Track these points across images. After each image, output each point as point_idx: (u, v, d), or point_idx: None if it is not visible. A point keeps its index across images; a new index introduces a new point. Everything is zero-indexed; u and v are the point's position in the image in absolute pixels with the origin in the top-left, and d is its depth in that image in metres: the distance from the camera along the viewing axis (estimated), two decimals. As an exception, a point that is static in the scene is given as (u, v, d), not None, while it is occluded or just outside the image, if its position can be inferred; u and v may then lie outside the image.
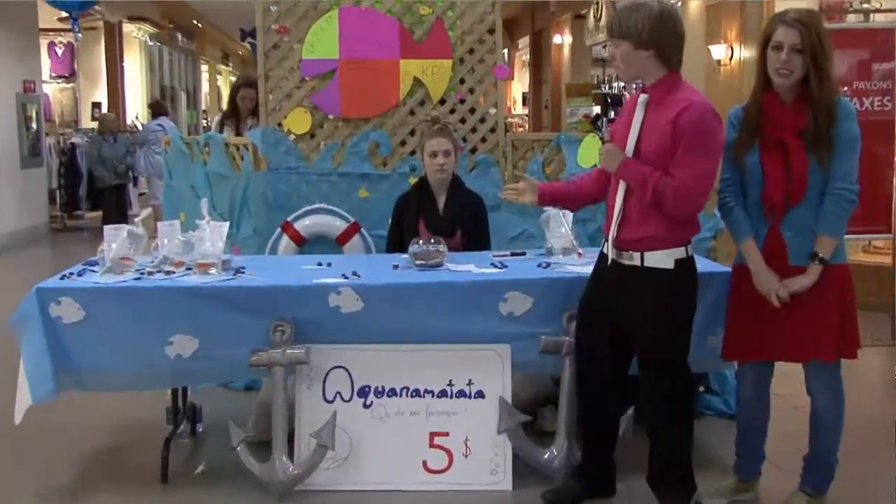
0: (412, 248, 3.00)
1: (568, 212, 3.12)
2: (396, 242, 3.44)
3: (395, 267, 2.99)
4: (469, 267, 2.96)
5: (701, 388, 3.45)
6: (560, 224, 3.16)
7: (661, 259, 2.37)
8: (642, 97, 2.38)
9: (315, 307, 2.72)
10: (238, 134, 4.75)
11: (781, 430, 2.79)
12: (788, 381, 2.92)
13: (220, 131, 4.97)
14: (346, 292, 2.73)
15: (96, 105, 12.97)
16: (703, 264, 2.94)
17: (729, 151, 2.48)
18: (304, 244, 3.83)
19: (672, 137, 2.30)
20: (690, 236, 2.42)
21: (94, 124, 10.78)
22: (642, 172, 2.34)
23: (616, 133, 2.51)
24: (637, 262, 2.39)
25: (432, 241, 3.00)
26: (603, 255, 2.51)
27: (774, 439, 2.69)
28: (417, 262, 2.97)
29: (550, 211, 3.17)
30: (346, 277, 2.80)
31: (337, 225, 3.83)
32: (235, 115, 4.98)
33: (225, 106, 5.59)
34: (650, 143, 2.34)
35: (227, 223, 2.99)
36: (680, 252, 2.39)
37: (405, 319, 2.76)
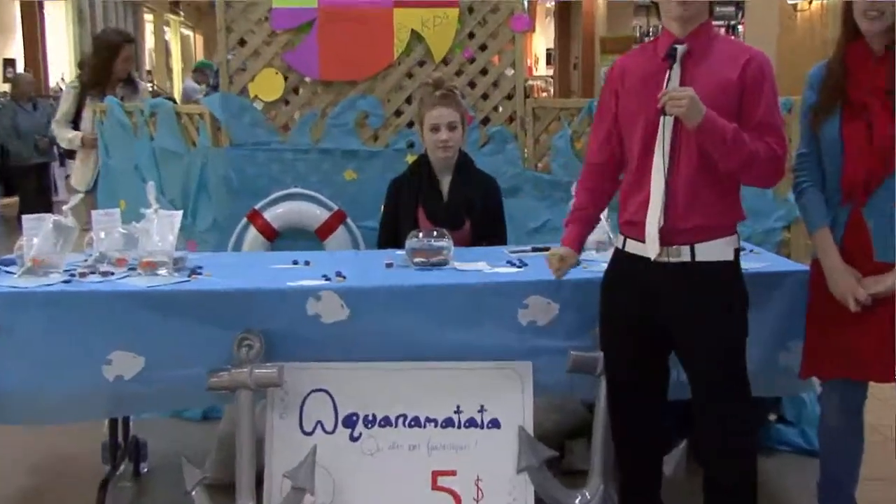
0: (410, 242, 3.02)
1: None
2: (390, 236, 3.46)
3: (389, 266, 3.02)
4: (480, 266, 2.98)
5: (772, 417, 3.45)
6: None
7: (718, 250, 2.38)
8: (679, 48, 2.34)
9: (290, 316, 2.73)
10: None
11: (877, 469, 2.76)
12: (887, 408, 2.89)
13: (78, 109, 4.69)
14: (329, 298, 2.73)
15: (9, 63, 12.52)
16: (773, 262, 2.96)
17: (806, 119, 2.49)
18: (276, 238, 3.86)
19: (739, 96, 2.31)
20: (740, 221, 2.45)
21: (7, 87, 10.39)
22: (733, 130, 2.29)
23: (626, 101, 2.47)
24: (686, 258, 2.39)
25: (434, 233, 3.02)
26: (628, 256, 2.50)
27: (869, 482, 2.66)
28: (416, 259, 3.00)
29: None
30: (329, 279, 2.81)
31: (317, 214, 3.85)
32: (103, 84, 4.75)
33: (85, 70, 4.96)
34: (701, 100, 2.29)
35: (180, 212, 2.99)
36: (735, 241, 2.42)
37: (401, 331, 2.77)
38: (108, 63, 4.80)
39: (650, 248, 2.40)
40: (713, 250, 2.38)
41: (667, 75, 2.33)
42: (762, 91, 2.30)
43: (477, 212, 3.43)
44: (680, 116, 2.30)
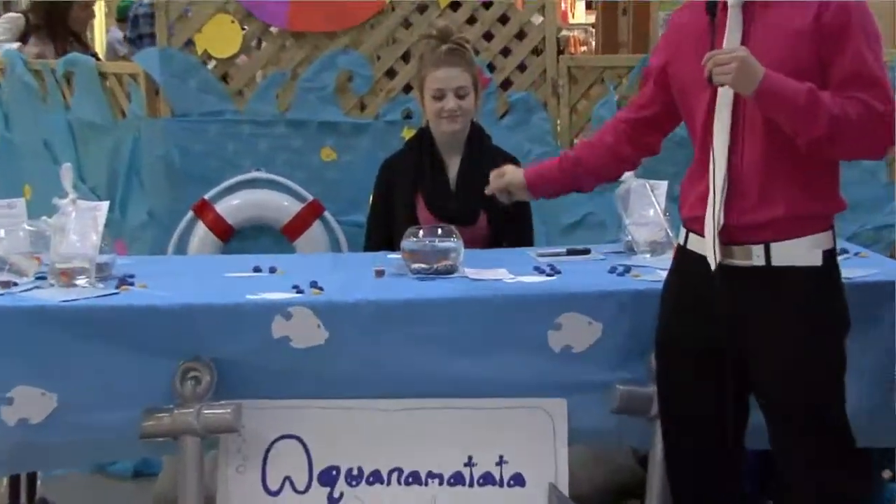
0: (407, 243, 3.03)
1: (661, 183, 3.14)
2: (382, 234, 3.48)
3: (380, 274, 3.02)
4: (499, 274, 2.99)
5: (886, 475, 3.45)
6: (646, 202, 3.18)
7: (803, 251, 2.38)
8: None
9: (250, 340, 2.75)
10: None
11: None
12: None
13: None
14: (301, 316, 2.74)
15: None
16: (884, 268, 2.95)
17: None
18: (231, 237, 3.90)
19: (817, 48, 2.31)
20: (836, 212, 2.44)
21: None
22: (807, 91, 2.28)
23: (680, 67, 2.49)
24: (760, 262, 2.40)
25: (439, 231, 3.02)
26: (691, 257, 2.52)
27: None
28: (415, 266, 3.00)
29: (630, 181, 3.19)
30: (301, 291, 2.81)
31: (285, 206, 3.88)
32: (54, 29, 4.76)
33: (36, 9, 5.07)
34: (768, 61, 2.30)
35: (105, 203, 3.00)
36: (826, 239, 2.41)
37: (396, 359, 2.79)
38: (61, 13, 4.86)
39: (709, 250, 2.41)
40: (795, 252, 2.38)
41: (712, 32, 2.35)
42: (847, 35, 2.28)
43: (496, 203, 3.39)
44: (728, 85, 2.32)
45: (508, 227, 3.46)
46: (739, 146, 2.38)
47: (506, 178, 2.85)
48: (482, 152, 3.50)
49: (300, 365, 2.77)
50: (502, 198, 2.90)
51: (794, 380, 2.40)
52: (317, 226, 3.89)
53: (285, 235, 3.89)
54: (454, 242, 3.02)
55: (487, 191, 2.88)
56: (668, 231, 3.11)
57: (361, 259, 3.32)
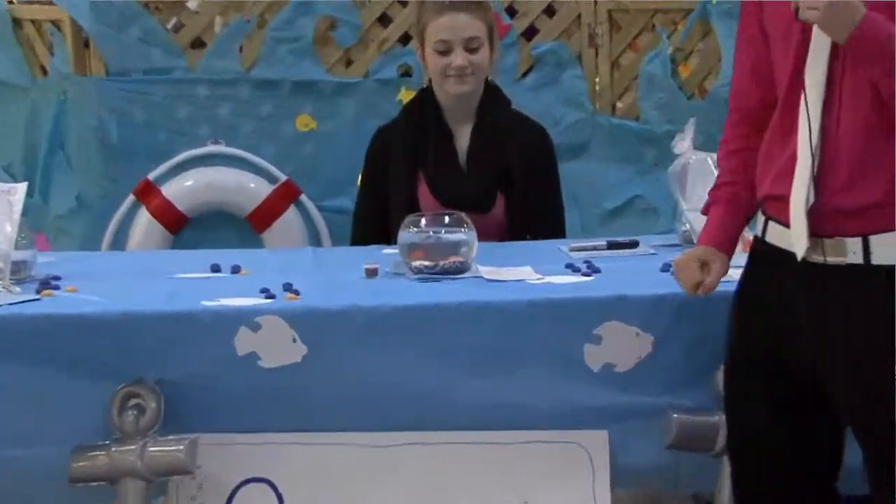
0: (406, 234, 3.05)
1: None
2: (373, 224, 3.51)
3: (372, 274, 3.05)
4: (523, 273, 3.02)
5: None
6: (709, 181, 3.11)
7: None
8: None
9: (207, 358, 2.76)
10: None
11: None
12: None
13: None
14: (272, 327, 2.75)
15: None
16: None
17: None
18: (182, 228, 3.95)
19: None
20: None
21: None
22: None
23: (770, 8, 2.46)
24: (855, 259, 2.38)
25: (447, 220, 3.04)
26: (770, 251, 2.53)
27: None
28: (417, 263, 3.03)
29: (688, 153, 3.21)
30: (272, 296, 2.83)
31: (251, 189, 3.95)
32: None
33: None
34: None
35: (23, 185, 3.02)
36: None
37: (392, 381, 2.81)
38: None
39: (796, 238, 2.40)
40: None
41: None
42: None
43: (516, 183, 3.46)
44: (817, 23, 2.29)
45: (533, 215, 3.48)
46: (835, 107, 2.35)
47: (714, 274, 2.68)
48: (499, 120, 3.52)
49: (271, 389, 2.78)
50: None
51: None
52: (291, 213, 3.93)
53: (251, 225, 3.93)
54: (465, 234, 3.03)
55: (693, 293, 2.71)
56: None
57: (348, 255, 3.34)
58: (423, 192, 3.46)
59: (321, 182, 3.93)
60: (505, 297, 2.84)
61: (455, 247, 3.01)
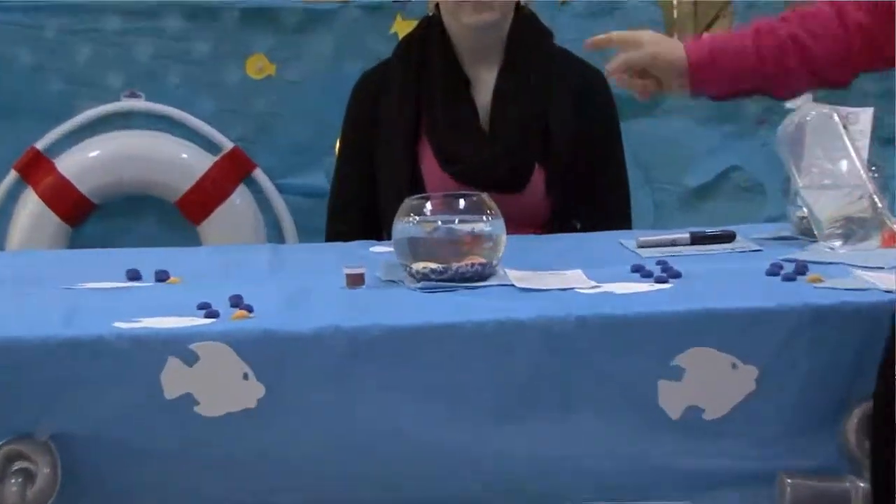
0: (404, 225, 3.07)
1: (862, 112, 3.18)
2: (357, 209, 3.57)
3: (356, 281, 3.07)
4: (569, 279, 3.04)
5: None
6: (835, 148, 3.19)
7: None
8: None
9: (122, 402, 2.76)
10: None
11: None
12: None
13: None
14: (215, 357, 2.75)
15: None
16: None
17: None
18: (86, 216, 4.02)
19: None
20: None
21: None
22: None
23: None
24: None
25: (462, 203, 3.05)
26: None
27: None
28: (419, 266, 3.04)
29: (805, 108, 3.21)
30: (214, 314, 2.84)
31: (182, 161, 4.03)
32: None
33: None
34: None
35: None
36: None
37: (384, 434, 2.82)
38: None
39: None
40: None
41: None
42: None
43: (561, 151, 3.48)
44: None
45: (585, 195, 3.52)
46: None
47: (644, 52, 2.86)
48: (536, 61, 3.55)
49: (213, 445, 2.79)
50: (633, 89, 2.91)
51: None
52: (240, 196, 4.00)
53: (184, 213, 3.97)
54: (489, 224, 3.04)
55: (607, 70, 2.89)
56: (876, 198, 3.12)
57: (322, 256, 3.40)
58: (429, 165, 3.48)
59: (282, 151, 3.98)
60: (545, 314, 2.82)
61: (474, 242, 3.03)
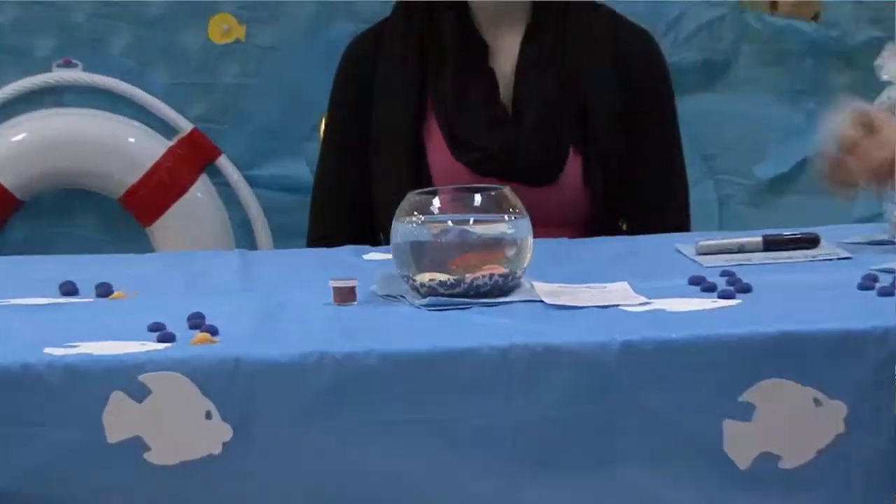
0: (406, 226, 3.04)
1: None
2: (346, 204, 3.55)
3: (345, 296, 3.05)
4: (613, 294, 3.02)
5: None
6: None
7: None
8: None
9: (55, 447, 2.73)
10: None
11: None
12: None
13: None
14: (169, 391, 2.73)
15: None
16: None
17: None
18: (9, 216, 3.98)
19: None
20: None
21: None
22: None
23: None
24: None
25: (478, 198, 3.03)
26: None
27: None
28: (426, 278, 3.02)
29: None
30: (169, 338, 2.79)
31: (130, 147, 4.00)
32: None
33: None
34: None
35: None
36: None
37: (383, 489, 2.80)
38: None
39: None
40: None
41: None
42: None
43: (602, 132, 3.46)
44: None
45: (632, 187, 3.51)
46: None
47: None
48: (572, 21, 3.54)
49: (168, 501, 2.77)
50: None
51: None
52: (201, 189, 3.95)
53: (130, 211, 3.95)
54: (511, 224, 3.02)
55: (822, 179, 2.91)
56: None
57: (303, 264, 3.40)
58: (437, 151, 3.46)
59: (253, 134, 3.97)
60: (582, 339, 2.79)
61: (493, 247, 3.01)
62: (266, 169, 3.92)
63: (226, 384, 2.72)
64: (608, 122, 3.49)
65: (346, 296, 3.01)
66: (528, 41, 3.54)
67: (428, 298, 2.97)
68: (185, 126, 3.93)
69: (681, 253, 3.26)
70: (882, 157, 2.90)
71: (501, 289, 2.99)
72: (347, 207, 3.52)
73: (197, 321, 2.85)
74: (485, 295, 2.99)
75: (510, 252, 3.00)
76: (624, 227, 3.44)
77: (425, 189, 3.09)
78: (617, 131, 3.45)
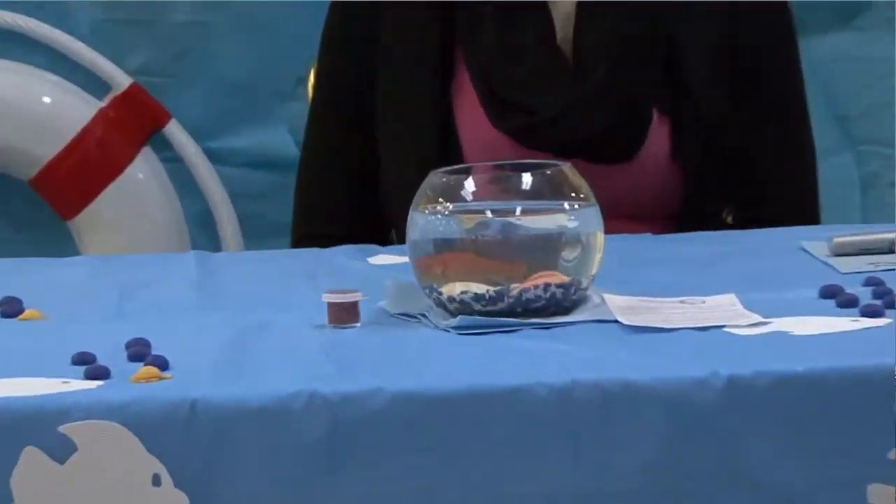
0: (425, 218, 2.96)
1: None
2: (343, 189, 3.49)
3: (341, 316, 2.96)
4: (716, 310, 2.97)
5: None
6: None
7: None
8: None
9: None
10: None
11: None
12: None
13: None
14: (102, 446, 2.67)
15: None
16: None
17: None
18: None
19: None
20: None
21: None
22: None
23: None
24: None
25: (527, 179, 2.97)
26: None
27: None
28: (455, 289, 2.96)
29: None
30: (101, 374, 2.74)
31: (46, 107, 3.99)
32: None
33: None
34: None
35: None
36: None
37: None
38: None
39: None
40: None
41: None
42: None
43: (699, 91, 3.42)
44: None
45: (737, 165, 3.42)
46: None
47: None
48: None
49: None
50: None
51: None
52: (144, 166, 3.89)
53: (46, 198, 3.90)
54: (574, 215, 2.95)
55: None
56: None
57: (284, 269, 3.49)
58: (469, 113, 3.42)
59: (215, 92, 3.88)
60: (674, 374, 2.72)
61: (548, 247, 2.92)
62: (232, 139, 3.87)
63: (180, 437, 2.66)
64: (707, 73, 3.47)
65: (344, 315, 2.94)
66: None
67: (459, 318, 2.89)
68: (122, 80, 3.87)
69: (808, 253, 3.20)
70: None
71: (560, 304, 2.92)
72: (346, 193, 3.43)
73: (139, 350, 2.77)
74: (537, 313, 2.91)
75: (572, 253, 2.93)
76: (729, 218, 3.41)
77: (454, 167, 3.02)
78: (720, 86, 3.41)
